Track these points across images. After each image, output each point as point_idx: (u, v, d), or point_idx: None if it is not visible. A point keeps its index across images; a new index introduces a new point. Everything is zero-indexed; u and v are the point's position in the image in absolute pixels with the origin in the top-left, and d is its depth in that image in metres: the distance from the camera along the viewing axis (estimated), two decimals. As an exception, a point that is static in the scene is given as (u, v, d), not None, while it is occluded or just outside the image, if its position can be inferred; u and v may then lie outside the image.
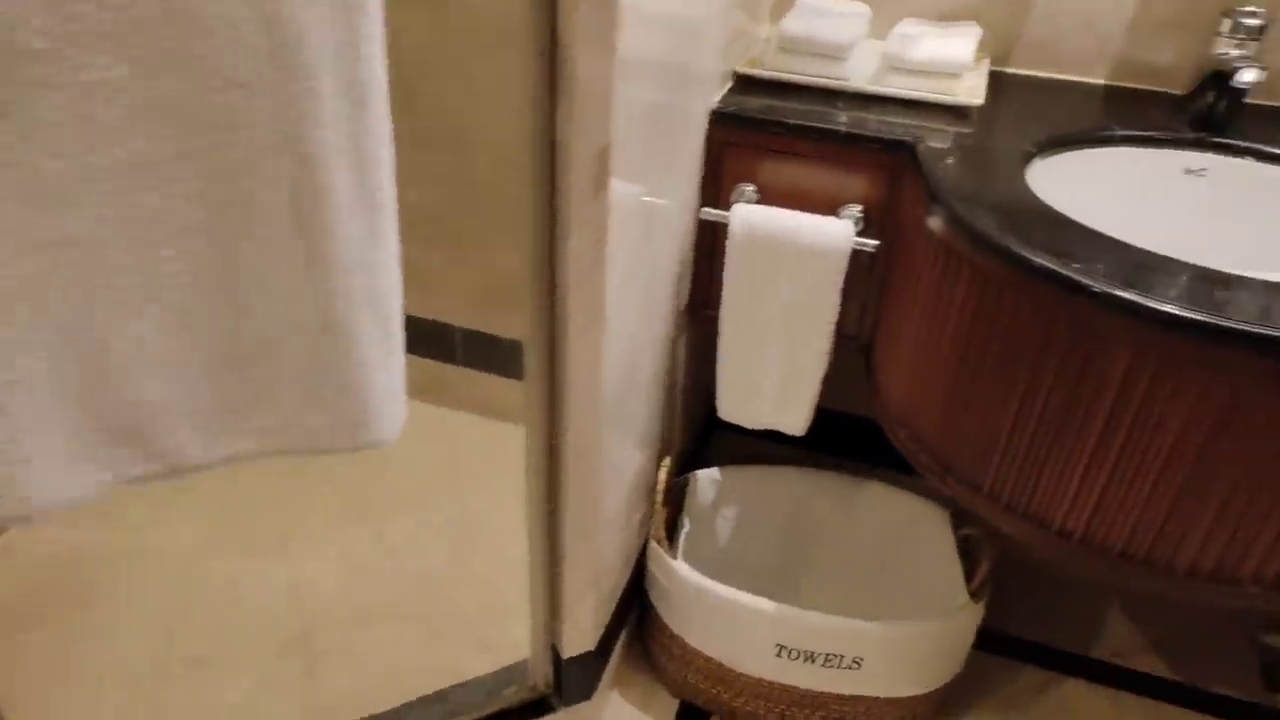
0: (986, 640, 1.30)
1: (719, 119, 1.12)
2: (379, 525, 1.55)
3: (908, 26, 1.21)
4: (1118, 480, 0.87)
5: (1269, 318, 0.76)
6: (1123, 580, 0.96)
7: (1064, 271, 0.82)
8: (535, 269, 0.86)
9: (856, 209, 1.11)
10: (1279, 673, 1.42)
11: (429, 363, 1.77)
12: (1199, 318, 0.77)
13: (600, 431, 0.98)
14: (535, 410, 0.97)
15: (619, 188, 0.86)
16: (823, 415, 1.25)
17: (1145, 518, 0.88)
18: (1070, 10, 1.19)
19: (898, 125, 1.09)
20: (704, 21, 1.05)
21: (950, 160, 1.01)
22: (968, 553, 1.28)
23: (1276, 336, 0.75)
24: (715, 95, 1.14)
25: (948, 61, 1.12)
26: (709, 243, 1.20)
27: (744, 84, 1.18)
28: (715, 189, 1.17)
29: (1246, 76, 1.01)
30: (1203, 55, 1.13)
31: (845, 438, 1.57)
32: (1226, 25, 1.07)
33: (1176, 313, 0.77)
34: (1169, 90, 1.19)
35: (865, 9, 1.23)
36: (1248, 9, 1.05)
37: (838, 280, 1.09)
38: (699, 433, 1.59)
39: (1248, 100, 1.08)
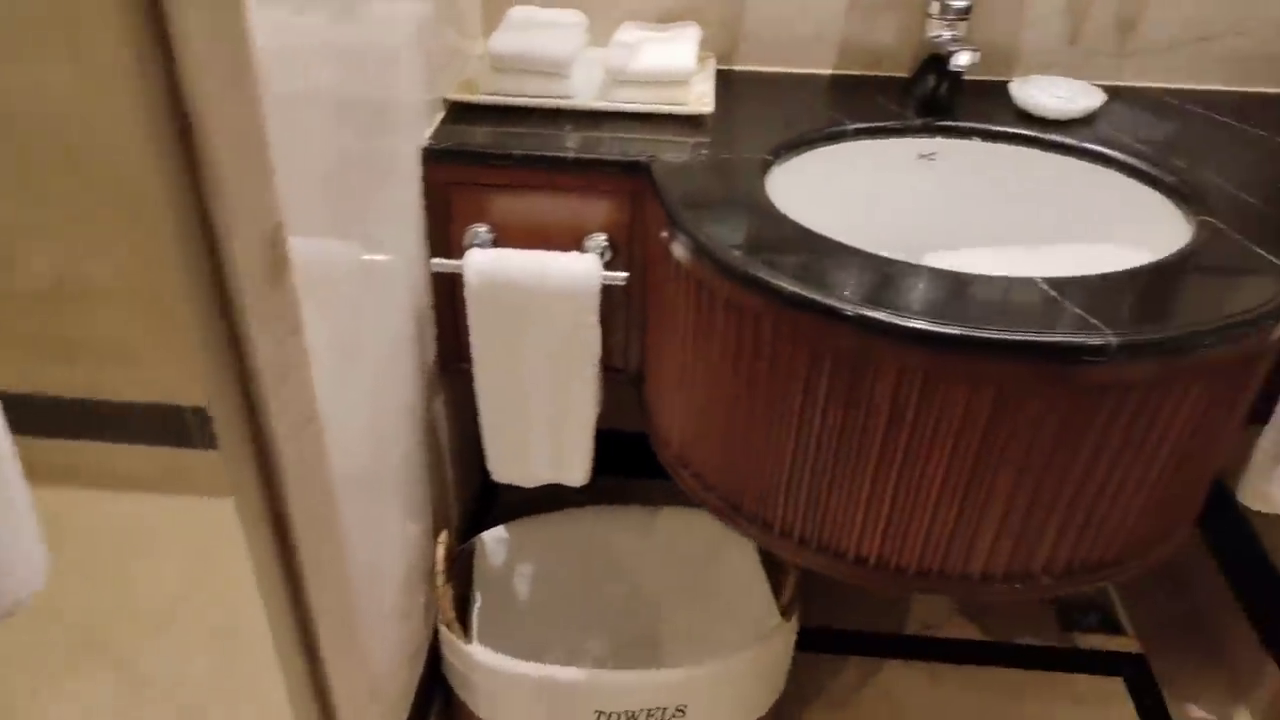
0: (806, 640, 1.27)
1: (434, 157, 1.00)
2: (125, 655, 1.33)
3: (627, 32, 1.13)
4: (902, 501, 0.83)
5: (1011, 318, 0.74)
6: (924, 592, 0.93)
7: (817, 298, 0.76)
8: (216, 379, 0.71)
9: (601, 239, 1.02)
10: (1072, 614, 1.49)
11: (161, 450, 1.54)
12: (951, 331, 0.73)
13: (342, 533, 0.84)
14: (256, 526, 0.81)
15: (310, 263, 0.72)
16: (614, 438, 1.16)
17: (934, 533, 0.85)
18: (784, 3, 1.15)
19: (632, 143, 1.00)
20: (398, 48, 0.92)
21: (686, 179, 0.94)
22: (773, 565, 1.23)
23: (1025, 341, 0.72)
24: (426, 130, 1.01)
25: (671, 70, 1.04)
26: (449, 291, 1.08)
27: (459, 112, 1.06)
28: (445, 235, 1.04)
29: (962, 60, 1.00)
30: (920, 37, 1.11)
31: (636, 458, 1.50)
32: (935, 7, 1.05)
33: (929, 328, 0.73)
34: (894, 74, 1.18)
35: (581, 17, 1.13)
36: (953, -11, 1.05)
37: (592, 320, 0.99)
38: (479, 492, 1.47)
39: (967, 78, 1.08)
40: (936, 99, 1.10)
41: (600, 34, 1.18)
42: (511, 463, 1.11)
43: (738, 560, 1.27)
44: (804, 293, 0.77)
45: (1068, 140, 1.03)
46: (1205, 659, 1.41)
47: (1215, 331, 0.74)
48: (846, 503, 0.85)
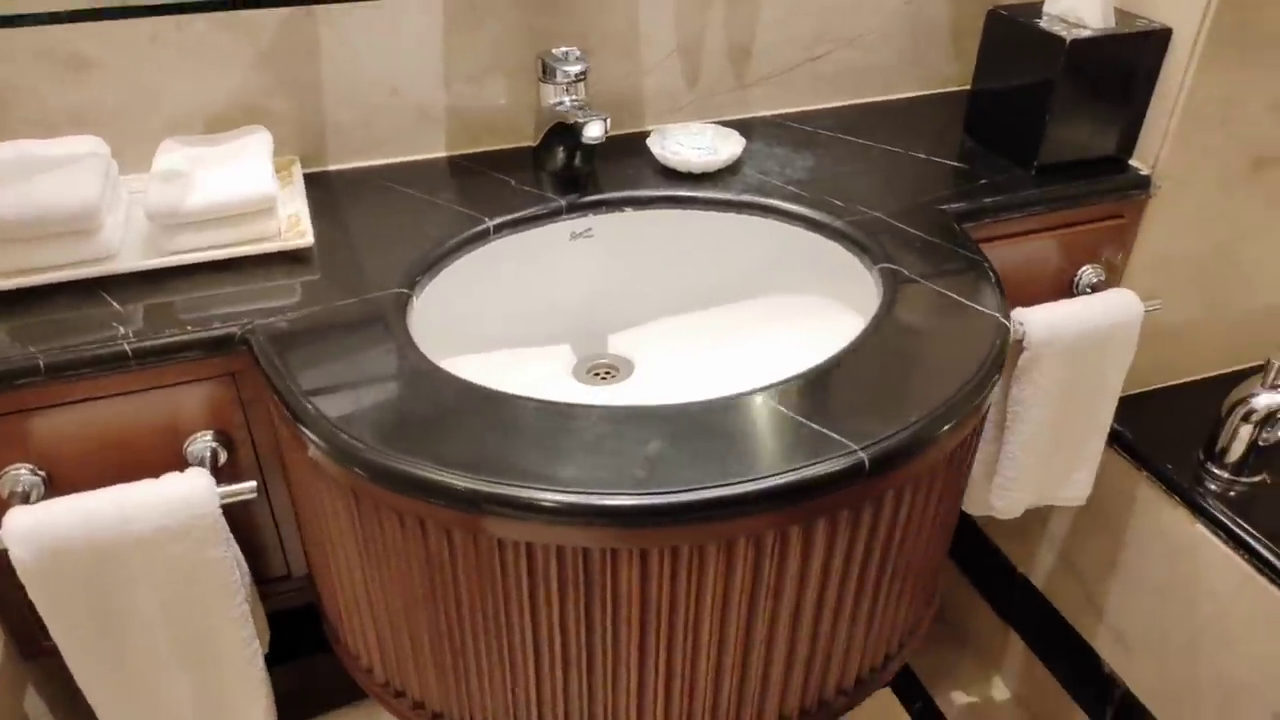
0: None
1: (-84, 394, 0.68)
2: None
3: (170, 154, 0.86)
4: (681, 673, 0.69)
5: (591, 466, 0.61)
6: None
7: (521, 495, 0.58)
8: None
9: (207, 438, 0.76)
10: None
11: None
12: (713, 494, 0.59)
13: None
14: None
15: None
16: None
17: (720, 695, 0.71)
18: (367, 80, 0.95)
19: (214, 302, 0.76)
20: None
21: (303, 349, 0.71)
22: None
23: (784, 485, 0.60)
24: (-108, 357, 0.69)
25: (246, 198, 0.80)
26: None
27: (-56, 313, 0.74)
28: (-36, 494, 0.73)
29: (593, 133, 0.86)
30: (537, 100, 0.96)
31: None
32: (544, 72, 0.91)
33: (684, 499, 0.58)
34: (519, 145, 1.02)
35: (98, 143, 0.85)
36: (559, 51, 0.91)
37: (219, 553, 0.73)
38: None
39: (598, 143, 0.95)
40: (573, 171, 0.96)
41: (133, 160, 0.90)
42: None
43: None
44: (503, 490, 0.59)
45: (724, 196, 0.93)
46: (955, 646, 1.44)
47: (959, 404, 0.66)
48: (612, 698, 0.69)
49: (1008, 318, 0.75)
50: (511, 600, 0.65)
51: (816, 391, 0.68)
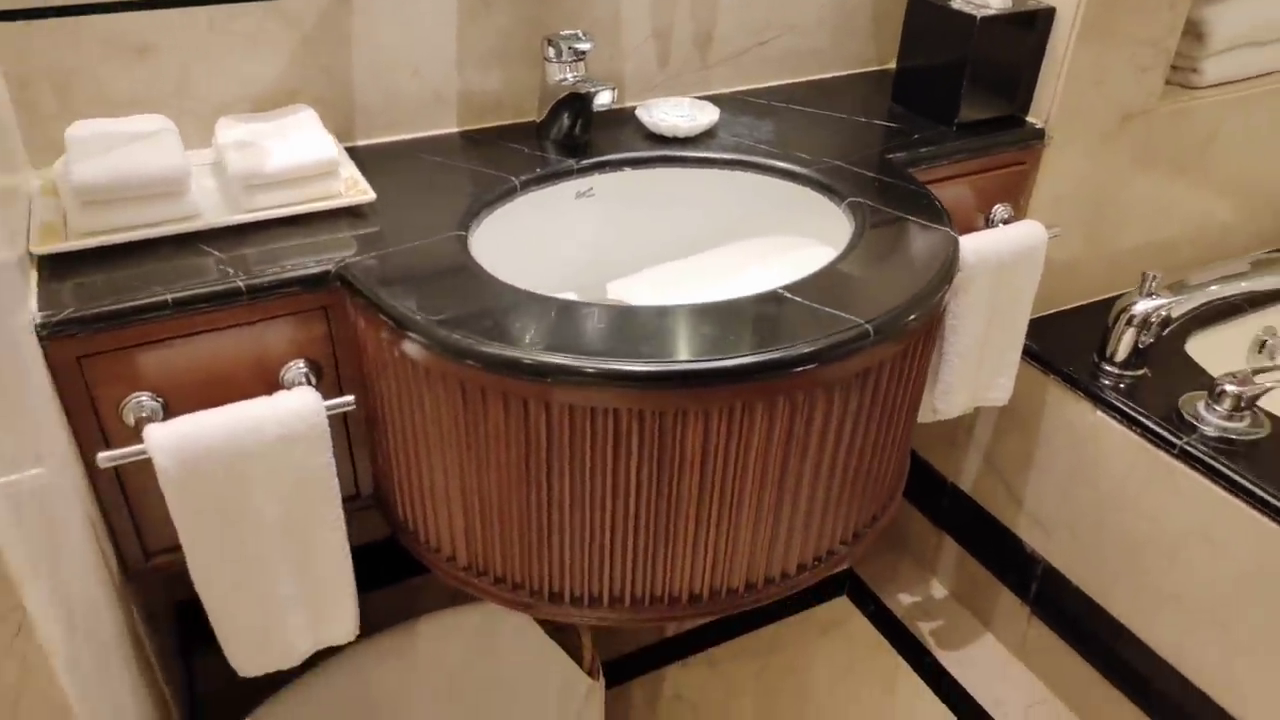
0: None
1: (52, 331, 0.78)
2: None
3: (230, 129, 0.98)
4: (723, 532, 0.85)
5: (664, 345, 0.77)
6: (714, 614, 0.95)
7: (622, 368, 0.74)
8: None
9: (300, 366, 0.88)
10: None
11: None
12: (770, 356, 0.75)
13: None
14: None
15: None
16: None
17: (751, 553, 0.88)
18: (392, 64, 1.08)
19: (295, 252, 0.88)
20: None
21: (394, 278, 0.84)
22: (562, 630, 1.19)
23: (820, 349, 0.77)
24: (27, 302, 0.79)
25: (318, 161, 0.92)
26: (118, 483, 0.86)
27: (57, 267, 0.84)
28: (95, 420, 0.83)
29: (604, 99, 1.03)
30: (540, 80, 1.11)
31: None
32: (552, 52, 1.06)
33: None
34: (522, 120, 1.17)
35: (163, 120, 0.95)
36: (567, 33, 1.06)
37: (325, 459, 0.86)
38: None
39: (597, 111, 1.11)
40: (575, 138, 1.11)
41: (192, 136, 1.01)
42: (260, 651, 0.92)
43: (519, 644, 1.20)
44: (609, 366, 0.74)
45: (709, 154, 1.11)
46: (898, 554, 1.65)
47: (932, 289, 0.85)
48: (673, 552, 0.85)
49: (955, 232, 0.95)
50: (596, 469, 0.80)
51: (822, 286, 0.86)
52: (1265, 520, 1.06)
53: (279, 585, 0.89)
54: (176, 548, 0.84)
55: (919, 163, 1.12)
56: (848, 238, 0.96)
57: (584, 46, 1.05)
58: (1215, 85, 1.32)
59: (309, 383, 0.88)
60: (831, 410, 0.82)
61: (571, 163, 1.08)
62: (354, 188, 0.97)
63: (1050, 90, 1.18)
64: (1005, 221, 1.20)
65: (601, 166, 1.09)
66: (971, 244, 1.11)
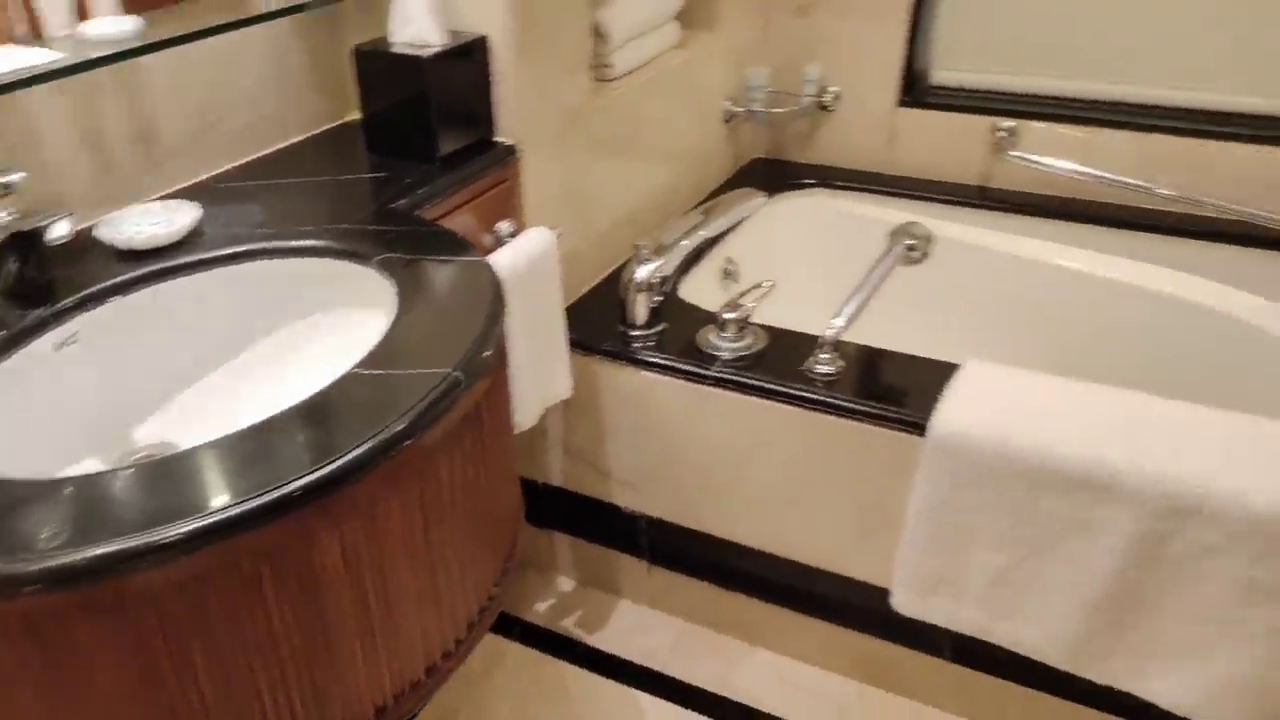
0: None
1: None
2: None
3: None
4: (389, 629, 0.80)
5: (263, 472, 0.75)
6: None
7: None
8: None
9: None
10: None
11: None
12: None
13: None
14: None
15: None
16: None
17: (428, 636, 0.84)
18: None
19: None
20: None
21: None
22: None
23: (331, 474, 0.75)
24: None
25: None
26: None
27: None
28: None
29: (60, 230, 0.88)
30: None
31: None
32: None
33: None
34: None
35: None
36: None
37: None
38: None
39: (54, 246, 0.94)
40: (32, 283, 0.94)
41: None
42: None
43: None
44: (204, 523, 0.65)
45: (205, 255, 1.00)
46: (518, 570, 1.69)
47: (493, 319, 0.88)
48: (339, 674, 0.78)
49: (489, 261, 0.99)
50: (229, 644, 0.70)
51: (392, 351, 0.84)
52: (792, 409, 1.29)
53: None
54: None
55: (420, 204, 1.14)
56: (388, 295, 0.95)
57: (13, 178, 0.88)
58: (626, 74, 1.53)
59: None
60: (454, 462, 0.82)
61: (39, 312, 0.91)
62: None
63: (507, 108, 1.27)
64: (513, 235, 1.28)
65: (82, 305, 0.94)
66: (502, 260, 1.17)
